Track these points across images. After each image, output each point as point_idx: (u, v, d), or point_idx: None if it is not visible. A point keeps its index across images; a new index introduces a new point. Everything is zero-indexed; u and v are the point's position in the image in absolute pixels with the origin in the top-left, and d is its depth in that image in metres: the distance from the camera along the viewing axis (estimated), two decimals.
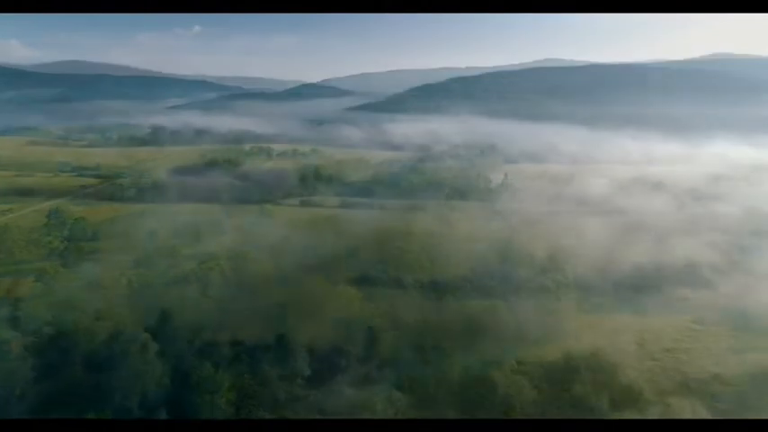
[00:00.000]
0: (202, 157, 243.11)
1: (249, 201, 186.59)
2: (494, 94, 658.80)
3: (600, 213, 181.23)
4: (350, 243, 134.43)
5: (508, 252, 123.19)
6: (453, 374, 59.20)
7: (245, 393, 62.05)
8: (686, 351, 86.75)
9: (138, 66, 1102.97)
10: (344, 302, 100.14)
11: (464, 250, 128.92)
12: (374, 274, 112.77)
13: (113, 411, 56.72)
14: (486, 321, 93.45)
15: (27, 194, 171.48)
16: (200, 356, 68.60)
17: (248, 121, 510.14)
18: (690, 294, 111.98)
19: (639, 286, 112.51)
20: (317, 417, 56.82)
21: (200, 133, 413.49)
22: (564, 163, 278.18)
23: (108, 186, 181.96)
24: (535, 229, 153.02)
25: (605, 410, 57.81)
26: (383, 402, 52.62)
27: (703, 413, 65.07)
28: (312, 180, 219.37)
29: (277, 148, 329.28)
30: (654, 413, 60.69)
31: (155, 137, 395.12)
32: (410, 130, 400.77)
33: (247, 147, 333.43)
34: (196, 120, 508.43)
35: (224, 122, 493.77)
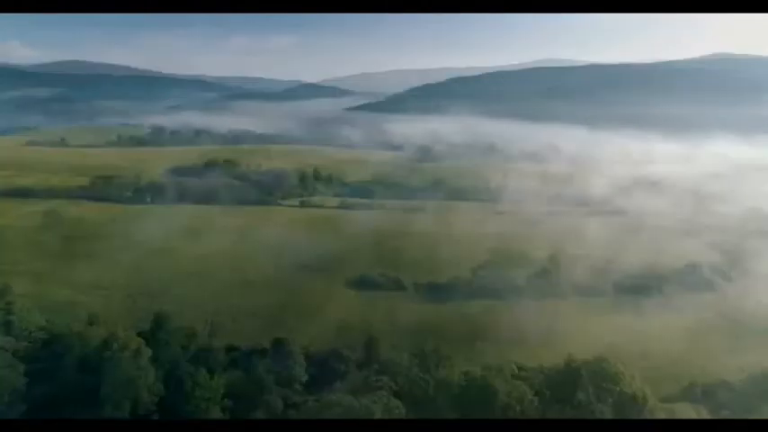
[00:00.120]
0: (201, 157, 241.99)
1: (248, 201, 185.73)
2: (494, 94, 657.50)
3: (600, 214, 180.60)
4: (349, 244, 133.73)
5: (508, 253, 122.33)
6: (453, 380, 58.23)
7: (240, 400, 61.08)
8: (687, 352, 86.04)
9: (138, 66, 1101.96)
10: (343, 305, 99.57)
11: (464, 251, 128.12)
12: (373, 276, 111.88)
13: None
14: (486, 323, 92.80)
15: (25, 195, 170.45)
16: (195, 362, 67.66)
17: (248, 122, 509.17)
18: (690, 295, 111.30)
19: (639, 287, 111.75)
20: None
21: (199, 133, 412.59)
22: (564, 163, 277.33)
23: (106, 187, 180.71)
24: (535, 230, 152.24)
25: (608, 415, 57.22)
26: (381, 410, 51.77)
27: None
28: (311, 180, 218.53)
29: (276, 148, 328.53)
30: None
31: (154, 137, 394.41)
32: (410, 130, 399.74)
33: (247, 147, 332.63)
34: (196, 120, 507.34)
35: (224, 122, 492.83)
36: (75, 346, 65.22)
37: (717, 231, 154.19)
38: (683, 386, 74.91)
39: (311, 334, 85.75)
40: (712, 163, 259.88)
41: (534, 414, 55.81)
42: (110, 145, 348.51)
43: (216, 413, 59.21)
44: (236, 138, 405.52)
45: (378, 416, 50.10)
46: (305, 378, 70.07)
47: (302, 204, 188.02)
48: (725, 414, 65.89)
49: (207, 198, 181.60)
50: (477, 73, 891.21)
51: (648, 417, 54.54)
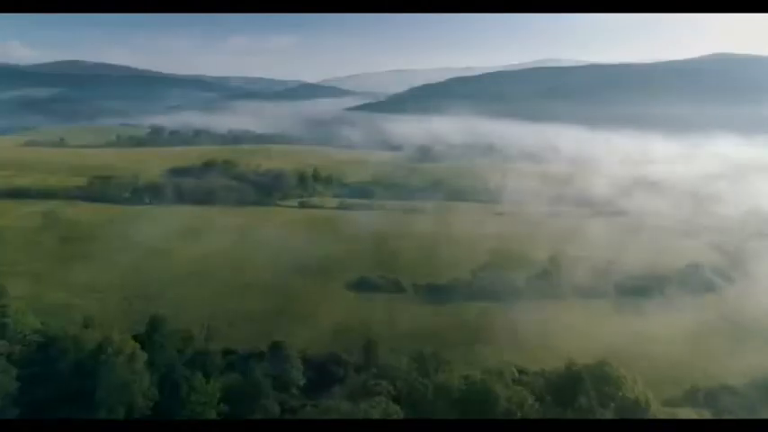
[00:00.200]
0: (200, 157, 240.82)
1: (247, 202, 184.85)
2: (494, 94, 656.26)
3: (600, 214, 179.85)
4: (348, 245, 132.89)
5: (508, 254, 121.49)
6: (452, 384, 57.37)
7: (236, 404, 60.19)
8: (689, 355, 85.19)
9: (137, 66, 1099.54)
10: (341, 307, 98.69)
11: (463, 252, 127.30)
12: (372, 278, 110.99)
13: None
14: (486, 326, 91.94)
15: (23, 195, 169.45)
16: (192, 365, 66.81)
17: (248, 122, 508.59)
18: (692, 297, 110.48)
19: (641, 288, 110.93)
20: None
21: (199, 133, 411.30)
22: (564, 163, 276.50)
23: (104, 187, 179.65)
24: (535, 231, 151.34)
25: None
26: (379, 415, 50.93)
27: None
28: (310, 181, 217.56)
29: (276, 148, 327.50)
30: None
31: (154, 137, 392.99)
32: (410, 130, 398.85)
33: (246, 147, 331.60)
34: (195, 120, 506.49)
35: (223, 123, 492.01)
36: (70, 350, 64.37)
37: (718, 232, 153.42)
38: (686, 390, 74.13)
39: (309, 337, 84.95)
40: (713, 163, 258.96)
41: (535, 416, 55.05)
42: (109, 145, 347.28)
43: (212, 418, 58.31)
44: (235, 138, 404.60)
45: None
46: (302, 382, 69.16)
47: (301, 205, 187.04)
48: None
49: (205, 199, 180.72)
50: (477, 73, 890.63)
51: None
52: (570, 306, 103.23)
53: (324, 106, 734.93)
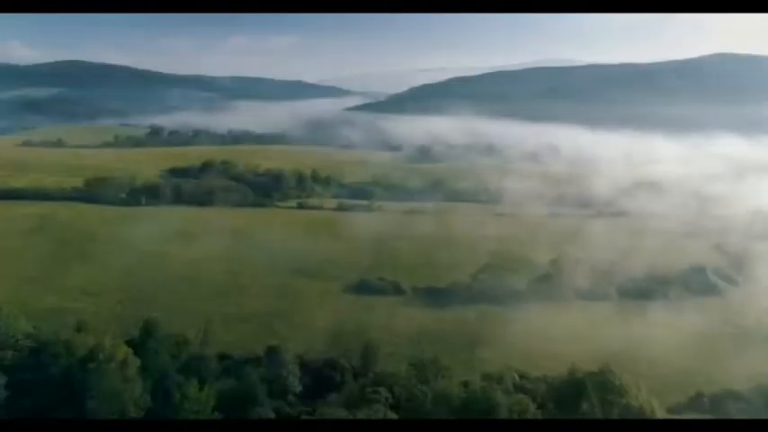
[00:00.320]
0: (199, 158, 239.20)
1: (245, 203, 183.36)
2: (494, 94, 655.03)
3: (602, 215, 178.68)
4: (347, 247, 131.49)
5: (509, 256, 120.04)
6: (452, 392, 55.95)
7: (230, 412, 58.73)
8: (693, 359, 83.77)
9: (137, 66, 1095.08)
10: (340, 310, 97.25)
11: (464, 254, 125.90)
12: (371, 280, 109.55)
13: None
14: (487, 329, 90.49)
15: (18, 196, 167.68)
16: (186, 371, 65.33)
17: (247, 122, 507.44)
18: (695, 300, 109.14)
19: (644, 291, 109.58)
20: None
21: (198, 134, 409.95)
22: (564, 164, 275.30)
23: (101, 188, 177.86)
24: (536, 232, 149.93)
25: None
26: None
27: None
28: (309, 182, 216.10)
29: (275, 148, 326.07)
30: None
31: (152, 137, 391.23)
32: (410, 130, 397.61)
33: (245, 147, 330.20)
34: (195, 120, 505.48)
35: (223, 123, 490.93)
36: (62, 355, 62.93)
37: (721, 233, 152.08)
38: (690, 396, 72.69)
39: (307, 341, 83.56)
40: (714, 163, 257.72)
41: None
42: (107, 145, 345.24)
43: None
44: (235, 138, 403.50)
45: None
46: (299, 389, 67.67)
47: (300, 206, 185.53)
48: None
49: (203, 200, 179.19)
50: (477, 73, 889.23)
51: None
52: (572, 309, 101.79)
53: (323, 106, 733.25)
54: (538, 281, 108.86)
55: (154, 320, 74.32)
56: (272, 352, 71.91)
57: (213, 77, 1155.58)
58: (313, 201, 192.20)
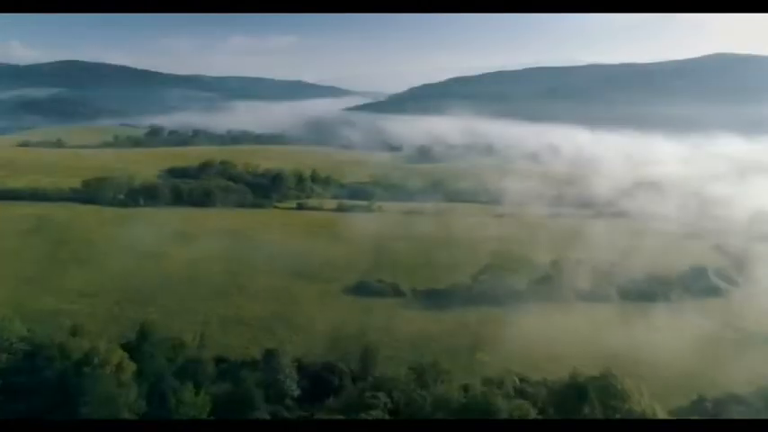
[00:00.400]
0: (198, 158, 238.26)
1: (244, 204, 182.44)
2: (494, 94, 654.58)
3: (602, 216, 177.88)
4: (346, 248, 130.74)
5: (509, 257, 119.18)
6: (452, 396, 55.24)
7: (226, 417, 57.94)
8: (695, 362, 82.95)
9: (137, 66, 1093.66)
10: (338, 312, 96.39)
11: (464, 255, 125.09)
12: (371, 282, 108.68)
13: None
14: (487, 332, 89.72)
15: (15, 197, 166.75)
16: (183, 374, 64.52)
17: (247, 122, 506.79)
18: (696, 301, 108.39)
19: (645, 293, 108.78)
20: None
21: (198, 134, 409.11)
22: (564, 164, 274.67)
23: (99, 189, 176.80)
24: (536, 233, 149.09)
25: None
26: None
27: None
28: (309, 182, 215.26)
29: (275, 148, 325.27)
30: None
31: (152, 137, 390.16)
32: (410, 130, 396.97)
33: (245, 147, 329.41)
34: (195, 120, 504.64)
35: (223, 123, 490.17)
36: (56, 359, 62.18)
37: (721, 234, 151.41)
38: (692, 400, 71.85)
39: (305, 344, 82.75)
40: (715, 163, 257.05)
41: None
42: (106, 145, 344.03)
43: None
44: (234, 138, 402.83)
45: None
46: (297, 393, 66.84)
47: (299, 207, 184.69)
48: None
49: (202, 200, 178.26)
50: (477, 73, 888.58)
51: None
52: (572, 310, 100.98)
53: (323, 106, 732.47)
54: (538, 282, 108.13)
55: (150, 323, 73.54)
56: (270, 355, 71.07)
57: (213, 77, 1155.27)
58: (312, 201, 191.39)
